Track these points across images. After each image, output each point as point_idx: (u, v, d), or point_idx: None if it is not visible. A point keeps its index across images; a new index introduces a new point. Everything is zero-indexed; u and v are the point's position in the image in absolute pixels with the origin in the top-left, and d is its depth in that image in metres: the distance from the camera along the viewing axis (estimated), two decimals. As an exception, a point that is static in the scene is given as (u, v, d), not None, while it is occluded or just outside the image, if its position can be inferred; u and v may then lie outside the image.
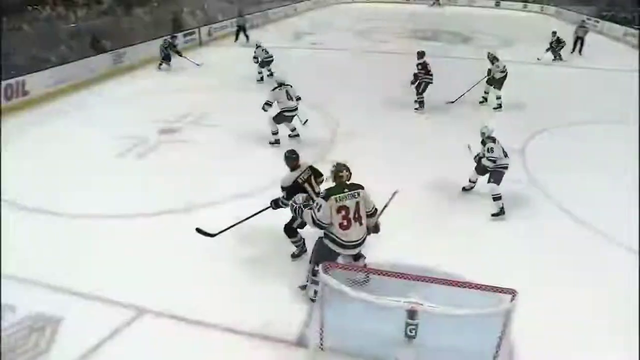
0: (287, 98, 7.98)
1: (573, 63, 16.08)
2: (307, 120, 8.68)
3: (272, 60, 12.34)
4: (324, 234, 4.29)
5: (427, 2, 35.09)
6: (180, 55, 13.94)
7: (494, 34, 22.52)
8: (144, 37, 15.17)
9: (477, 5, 35.38)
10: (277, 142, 8.16)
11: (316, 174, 4.99)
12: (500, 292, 3.29)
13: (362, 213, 4.19)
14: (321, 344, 3.93)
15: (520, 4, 35.12)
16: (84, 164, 7.50)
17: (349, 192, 4.14)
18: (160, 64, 13.83)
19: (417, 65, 10.11)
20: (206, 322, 4.29)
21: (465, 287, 3.53)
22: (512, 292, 3.22)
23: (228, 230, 5.08)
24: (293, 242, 5.14)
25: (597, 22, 25.30)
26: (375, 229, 4.48)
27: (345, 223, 4.12)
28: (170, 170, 7.34)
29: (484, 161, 6.08)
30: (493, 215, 6.04)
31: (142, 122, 9.32)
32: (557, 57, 16.01)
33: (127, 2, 16.54)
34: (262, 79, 12.46)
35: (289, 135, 8.44)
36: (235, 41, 18.25)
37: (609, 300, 4.69)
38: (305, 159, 5.09)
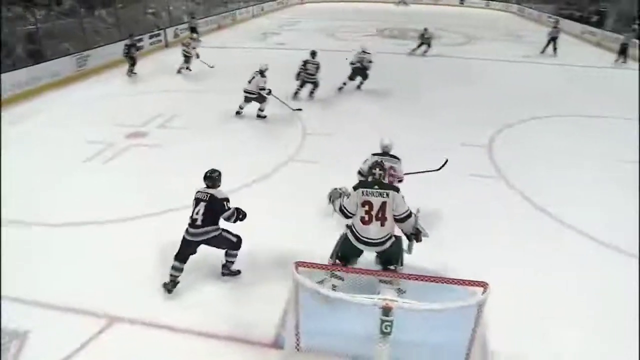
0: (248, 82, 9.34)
1: (537, 59, 16.52)
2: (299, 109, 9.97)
3: None
4: (347, 226, 4.38)
5: (393, 0, 35.49)
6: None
7: (459, 31, 22.95)
8: (108, 39, 14.86)
9: (442, 3, 36.02)
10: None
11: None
12: (471, 285, 3.35)
13: (388, 214, 4.18)
14: (297, 345, 3.93)
15: (483, 2, 35.90)
16: (49, 170, 7.29)
17: (378, 190, 4.19)
18: (131, 70, 13.10)
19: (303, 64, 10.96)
20: (180, 327, 4.23)
21: (437, 282, 3.58)
22: (483, 285, 3.28)
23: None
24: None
25: (557, 20, 26.05)
26: (416, 237, 4.33)
27: (366, 218, 4.18)
28: (139, 174, 7.21)
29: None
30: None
31: (108, 126, 9.11)
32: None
33: (90, 3, 16.14)
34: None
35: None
36: None
37: (578, 288, 4.84)
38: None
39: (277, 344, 4.05)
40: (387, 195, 4.17)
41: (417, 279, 4.03)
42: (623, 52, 16.14)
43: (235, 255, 4.85)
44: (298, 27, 24.07)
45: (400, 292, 3.97)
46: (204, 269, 4.98)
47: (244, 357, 3.96)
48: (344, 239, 4.42)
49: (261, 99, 9.47)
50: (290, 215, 5.98)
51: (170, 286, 4.64)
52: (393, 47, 17.57)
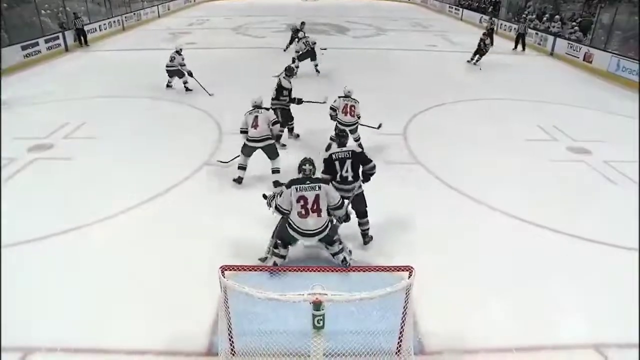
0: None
1: (442, 48, 17.33)
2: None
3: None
4: (285, 219, 4.65)
5: (301, -4, 35.69)
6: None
7: (368, 23, 23.55)
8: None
9: (349, -4, 36.75)
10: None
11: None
12: (398, 270, 3.45)
13: (322, 206, 4.52)
14: (232, 349, 3.86)
15: (388, -6, 37.10)
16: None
17: (310, 185, 4.52)
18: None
19: None
20: (107, 348, 3.98)
21: (364, 270, 3.67)
22: (409, 269, 3.39)
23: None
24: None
25: (458, 9, 27.54)
26: (346, 217, 4.96)
27: (303, 212, 4.49)
28: (48, 190, 6.67)
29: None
30: None
31: (6, 140, 8.33)
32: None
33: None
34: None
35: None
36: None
37: (503, 266, 5.12)
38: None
39: (211, 351, 3.95)
40: (320, 188, 4.52)
41: (346, 271, 4.14)
42: (519, 40, 17.33)
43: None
44: (208, 25, 23.54)
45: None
46: (131, 285, 4.74)
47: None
48: (282, 226, 4.70)
49: (181, 74, 10.82)
50: (209, 222, 5.82)
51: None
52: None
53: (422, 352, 3.99)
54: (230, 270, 3.42)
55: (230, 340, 3.80)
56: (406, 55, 15.87)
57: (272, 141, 6.56)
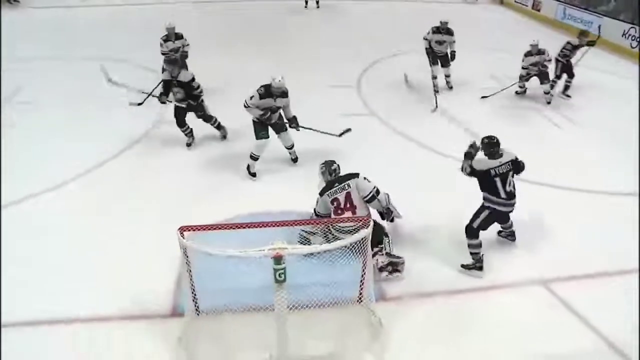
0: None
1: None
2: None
3: None
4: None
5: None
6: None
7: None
8: None
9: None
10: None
11: None
12: (355, 221, 3.53)
13: (356, 202, 4.43)
14: (197, 309, 3.90)
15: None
16: None
17: (338, 186, 4.46)
18: None
19: None
20: (69, 318, 3.92)
21: (324, 223, 3.73)
22: (366, 219, 3.47)
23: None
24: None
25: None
26: (387, 215, 4.62)
27: (339, 212, 4.44)
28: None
29: None
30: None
31: None
32: None
33: None
34: None
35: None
36: None
37: (447, 209, 5.24)
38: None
39: (176, 313, 3.97)
40: (349, 186, 4.45)
41: (310, 223, 4.21)
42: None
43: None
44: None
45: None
46: (91, 249, 4.68)
47: (145, 332, 3.82)
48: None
49: None
50: (159, 185, 5.78)
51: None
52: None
53: (382, 299, 4.15)
54: (189, 230, 3.39)
55: (194, 300, 3.83)
56: (355, 7, 15.53)
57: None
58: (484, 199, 4.40)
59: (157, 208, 5.28)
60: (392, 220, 4.71)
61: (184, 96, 6.31)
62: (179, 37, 8.02)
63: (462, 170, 4.34)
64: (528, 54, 8.10)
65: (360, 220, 3.73)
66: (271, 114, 5.77)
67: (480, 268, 4.45)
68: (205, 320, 3.89)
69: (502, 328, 3.93)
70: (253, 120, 5.83)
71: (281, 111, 5.89)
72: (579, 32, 8.79)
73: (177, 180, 5.91)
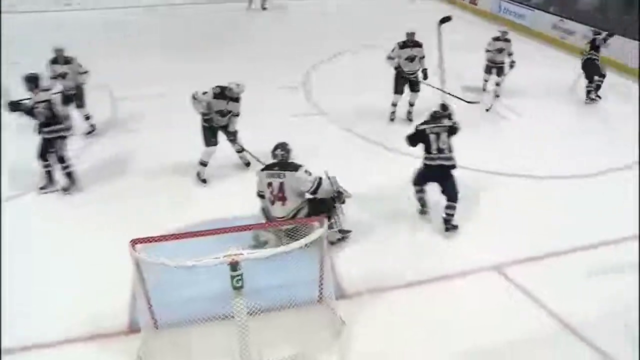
0: None
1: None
2: None
3: None
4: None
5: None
6: None
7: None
8: None
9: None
10: None
11: None
12: (311, 222, 3.53)
13: (287, 194, 4.40)
14: (154, 323, 3.79)
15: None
16: None
17: (277, 171, 4.43)
18: None
19: None
20: (20, 345, 3.72)
21: (280, 225, 3.71)
22: (321, 220, 3.49)
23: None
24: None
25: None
26: (338, 199, 4.63)
27: (271, 198, 4.47)
28: None
29: None
30: None
31: None
32: None
33: None
34: None
35: None
36: None
37: (399, 203, 5.41)
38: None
39: (133, 328, 3.84)
40: (284, 175, 4.40)
41: (263, 227, 4.18)
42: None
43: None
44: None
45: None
46: (45, 275, 4.45)
47: (103, 351, 3.69)
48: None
49: None
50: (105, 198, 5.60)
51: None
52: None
53: (343, 296, 4.17)
54: (142, 242, 3.30)
55: (151, 314, 3.72)
56: (298, 6, 15.52)
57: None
58: (423, 158, 5.10)
59: (106, 221, 5.10)
60: (343, 202, 4.72)
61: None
62: (67, 61, 6.76)
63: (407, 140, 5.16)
64: (496, 39, 8.35)
65: (315, 220, 3.72)
66: (219, 116, 5.69)
67: (425, 212, 5.27)
68: (166, 333, 3.79)
69: (461, 317, 4.04)
70: (203, 127, 5.73)
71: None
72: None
73: (126, 191, 5.73)
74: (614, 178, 6.14)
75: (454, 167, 4.98)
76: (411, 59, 7.32)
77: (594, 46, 8.29)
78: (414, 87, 7.47)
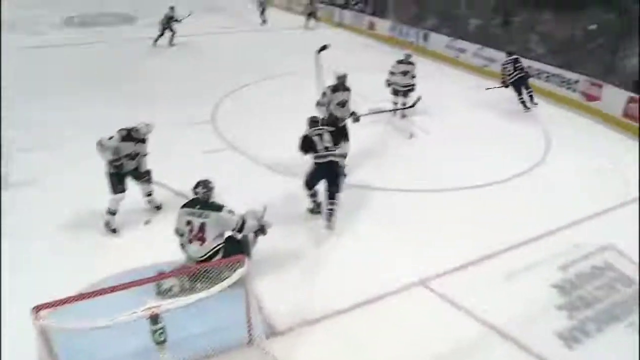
0: None
1: (239, 29, 17.25)
2: None
3: None
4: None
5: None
6: None
7: (159, 11, 22.18)
8: None
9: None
10: None
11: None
12: (232, 263, 3.41)
13: (208, 235, 4.23)
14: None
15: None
16: None
17: (198, 210, 4.27)
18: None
19: None
20: None
21: (198, 272, 3.55)
22: (241, 260, 3.38)
23: None
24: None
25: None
26: (261, 232, 4.62)
27: (190, 237, 4.28)
28: None
29: None
30: None
31: None
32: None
33: None
34: None
35: None
36: None
37: (315, 229, 5.47)
38: None
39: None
40: (208, 216, 4.24)
41: (180, 274, 3.95)
42: (310, 16, 18.02)
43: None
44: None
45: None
46: None
47: None
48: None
49: None
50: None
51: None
52: (87, 37, 15.78)
53: (274, 334, 4.05)
54: (48, 307, 2.96)
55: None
56: (203, 40, 15.43)
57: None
58: (313, 158, 5.48)
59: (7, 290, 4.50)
60: (265, 234, 4.67)
61: None
62: None
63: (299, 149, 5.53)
64: (400, 62, 8.71)
65: (234, 260, 3.57)
66: (129, 159, 5.37)
67: (318, 212, 5.70)
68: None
69: (395, 337, 4.08)
70: (110, 173, 5.35)
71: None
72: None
73: (25, 254, 5.09)
74: (516, 184, 6.64)
75: (343, 160, 5.54)
76: (342, 104, 6.76)
77: (518, 67, 9.13)
78: (346, 136, 6.49)
